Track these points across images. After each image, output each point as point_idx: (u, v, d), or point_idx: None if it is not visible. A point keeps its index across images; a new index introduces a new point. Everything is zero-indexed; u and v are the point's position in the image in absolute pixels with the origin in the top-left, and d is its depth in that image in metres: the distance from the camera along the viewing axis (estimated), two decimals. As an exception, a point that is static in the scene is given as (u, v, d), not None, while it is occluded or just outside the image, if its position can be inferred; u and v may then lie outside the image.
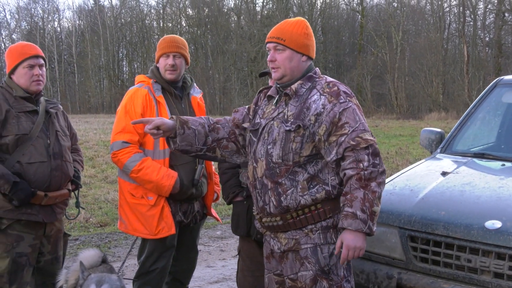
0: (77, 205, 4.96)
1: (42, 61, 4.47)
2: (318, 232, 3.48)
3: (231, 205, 4.87)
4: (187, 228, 4.94)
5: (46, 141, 4.37)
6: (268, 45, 3.63)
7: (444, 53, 46.71)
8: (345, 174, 3.37)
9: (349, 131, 3.37)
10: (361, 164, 3.34)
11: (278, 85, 3.65)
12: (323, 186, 3.46)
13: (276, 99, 3.64)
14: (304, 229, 3.49)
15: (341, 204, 3.38)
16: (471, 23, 47.59)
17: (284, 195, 3.47)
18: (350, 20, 55.95)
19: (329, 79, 3.60)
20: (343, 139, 3.36)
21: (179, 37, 4.88)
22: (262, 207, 3.58)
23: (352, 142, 3.36)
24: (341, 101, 3.43)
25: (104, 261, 4.27)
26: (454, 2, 48.76)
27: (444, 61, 45.82)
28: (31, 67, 4.38)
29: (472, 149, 5.31)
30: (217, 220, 5.38)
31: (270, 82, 4.56)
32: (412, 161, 16.43)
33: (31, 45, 4.53)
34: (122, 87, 55.61)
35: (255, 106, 3.82)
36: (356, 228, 3.28)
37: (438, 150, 5.36)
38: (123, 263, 4.81)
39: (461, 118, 5.59)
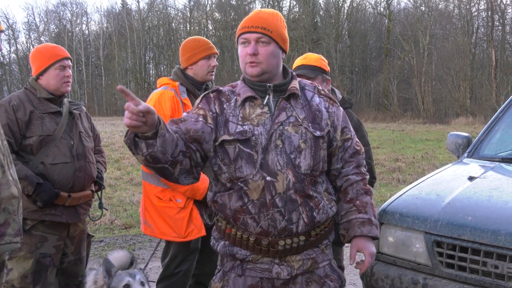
0: (100, 206, 4.97)
1: (70, 63, 4.55)
2: (329, 246, 3.24)
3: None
4: (211, 231, 4.92)
5: (69, 142, 4.39)
6: (246, 35, 3.03)
7: (472, 58, 46.36)
8: (348, 179, 3.25)
9: (351, 135, 3.27)
10: (362, 169, 3.28)
11: (268, 85, 3.06)
12: (332, 195, 3.22)
13: (266, 100, 3.06)
14: (320, 245, 3.16)
15: (345, 212, 3.22)
16: (500, 27, 47.19)
17: (317, 210, 3.04)
18: (377, 24, 55.82)
19: (304, 80, 3.29)
20: (349, 144, 3.26)
21: None
22: (284, 228, 2.97)
23: (356, 147, 3.28)
24: (337, 104, 3.28)
25: (132, 263, 4.30)
26: (483, 6, 48.40)
27: (472, 66, 45.51)
28: (63, 68, 4.42)
29: (499, 154, 5.22)
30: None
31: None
32: (438, 165, 16.31)
33: (60, 47, 4.57)
34: (149, 90, 55.97)
35: (212, 113, 3.06)
36: (375, 234, 3.20)
37: (465, 155, 5.29)
38: (146, 265, 4.81)
39: (489, 122, 5.50)
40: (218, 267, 3.21)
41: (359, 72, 54.99)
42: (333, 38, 50.20)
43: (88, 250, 4.77)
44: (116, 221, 9.93)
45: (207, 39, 4.84)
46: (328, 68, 4.60)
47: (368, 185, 3.29)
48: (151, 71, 64.52)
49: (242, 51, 3.05)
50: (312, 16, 50.80)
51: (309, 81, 3.28)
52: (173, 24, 61.89)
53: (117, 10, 66.64)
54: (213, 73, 4.80)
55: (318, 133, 3.06)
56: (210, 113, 3.04)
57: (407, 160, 18.25)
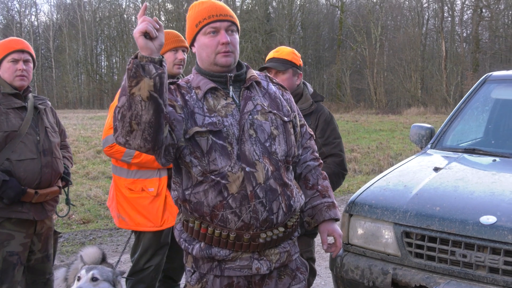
0: (67, 202, 4.90)
1: (28, 57, 4.39)
2: (297, 237, 3.20)
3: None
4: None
5: (35, 138, 4.30)
6: (217, 24, 2.93)
7: (423, 49, 47.16)
8: (307, 166, 3.27)
9: (304, 121, 3.31)
10: (316, 154, 3.34)
11: (230, 75, 2.98)
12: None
13: (231, 92, 2.99)
14: (292, 237, 3.12)
15: (309, 198, 3.22)
16: (449, 19, 48.05)
17: (293, 198, 2.99)
18: (330, 15, 56.09)
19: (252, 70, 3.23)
20: (304, 130, 3.29)
21: None
22: (266, 219, 2.89)
23: (311, 133, 3.35)
24: (288, 91, 3.28)
25: (103, 259, 4.24)
26: (433, -2, 49.14)
27: (423, 57, 46.27)
28: (15, 61, 4.30)
29: (461, 145, 5.33)
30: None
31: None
32: (393, 155, 16.55)
33: (18, 40, 4.45)
34: (100, 82, 55.41)
35: (178, 103, 2.89)
36: (339, 217, 3.25)
37: (429, 146, 5.37)
38: (118, 260, 4.74)
39: (451, 113, 5.62)
40: (191, 269, 3.04)
41: (312, 63, 55.18)
42: (286, 29, 50.33)
43: (55, 247, 4.70)
44: (73, 216, 9.80)
45: (178, 32, 4.76)
46: (300, 62, 4.60)
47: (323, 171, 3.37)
48: (102, 63, 63.71)
49: (212, 40, 2.92)
50: (265, 7, 50.81)
51: (257, 71, 3.26)
52: (125, 15, 61.25)
53: (68, 1, 65.62)
54: (180, 66, 4.72)
55: (286, 118, 3.04)
56: (177, 103, 2.87)
57: (362, 151, 18.43)
